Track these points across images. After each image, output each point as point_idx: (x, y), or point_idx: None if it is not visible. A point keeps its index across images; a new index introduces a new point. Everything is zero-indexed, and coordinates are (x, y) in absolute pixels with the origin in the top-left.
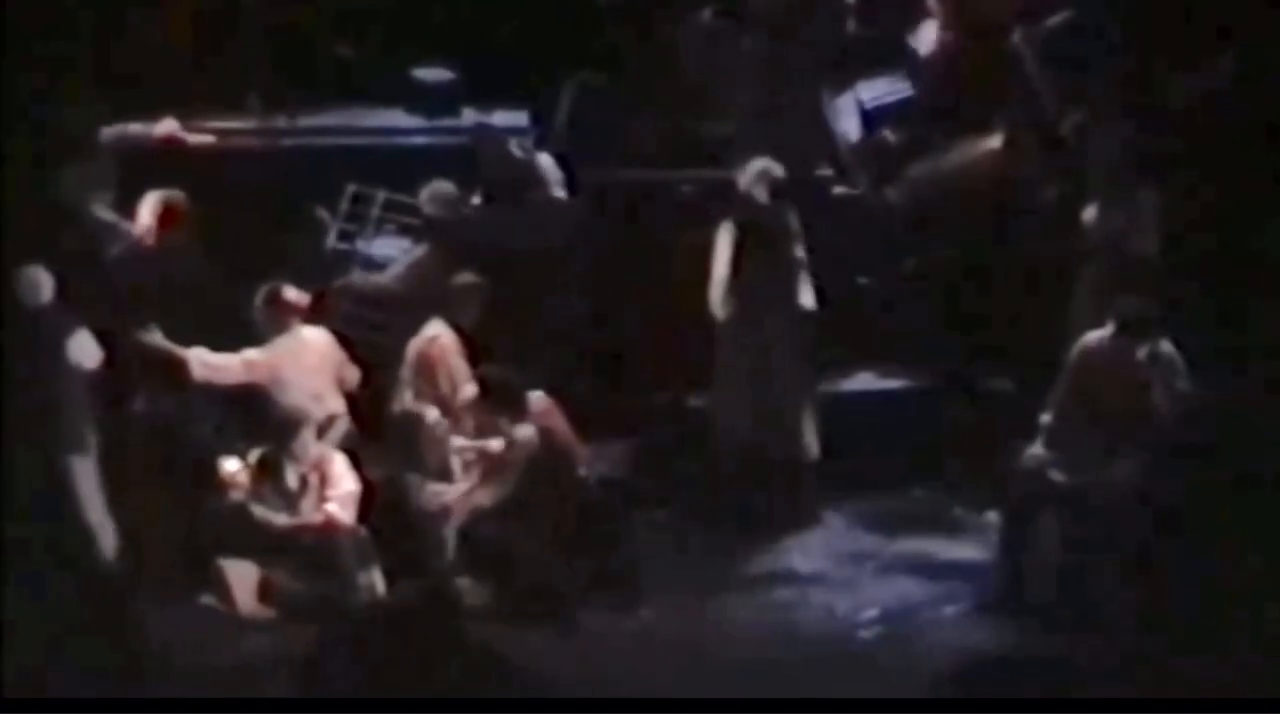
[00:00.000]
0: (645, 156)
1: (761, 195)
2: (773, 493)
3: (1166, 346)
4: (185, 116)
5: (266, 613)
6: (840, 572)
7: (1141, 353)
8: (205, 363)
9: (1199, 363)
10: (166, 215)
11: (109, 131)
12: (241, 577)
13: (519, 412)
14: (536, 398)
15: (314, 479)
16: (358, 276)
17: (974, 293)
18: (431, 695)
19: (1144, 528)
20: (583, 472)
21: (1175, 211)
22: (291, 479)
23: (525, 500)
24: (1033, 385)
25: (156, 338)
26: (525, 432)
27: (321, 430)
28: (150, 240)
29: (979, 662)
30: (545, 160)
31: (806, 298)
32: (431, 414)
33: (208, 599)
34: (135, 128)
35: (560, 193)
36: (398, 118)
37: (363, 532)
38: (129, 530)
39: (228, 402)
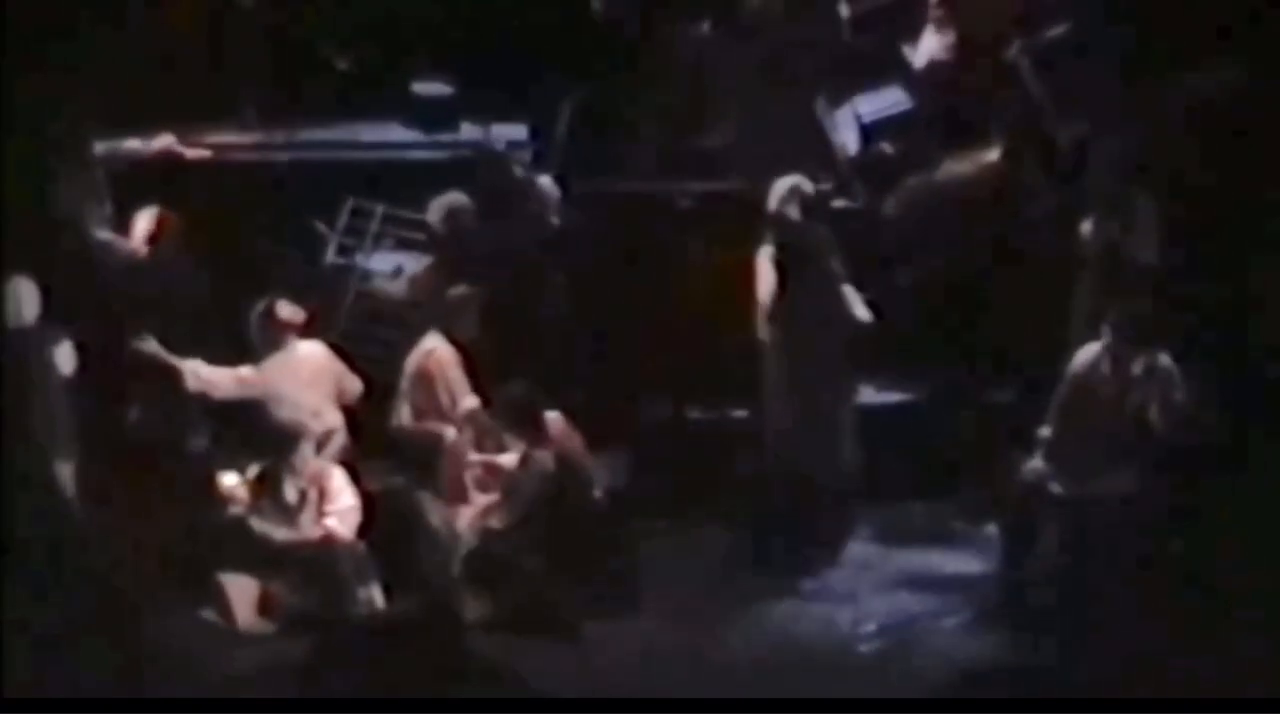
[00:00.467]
0: (643, 169)
1: (794, 213)
2: (817, 510)
3: (1164, 358)
4: (183, 130)
5: (266, 627)
6: (840, 584)
7: (1138, 365)
8: (199, 375)
9: (1197, 373)
10: (159, 230)
11: (103, 146)
12: (241, 591)
13: (538, 433)
14: (554, 419)
15: (313, 494)
16: (379, 284)
17: (973, 305)
18: (430, 709)
19: (1144, 540)
20: (597, 494)
21: (1175, 221)
22: (290, 493)
23: (537, 520)
24: (1032, 397)
25: (153, 347)
26: (542, 454)
27: (320, 445)
28: (144, 255)
29: (979, 674)
30: (544, 181)
31: (860, 311)
32: (450, 432)
33: (207, 613)
34: (131, 142)
35: (555, 218)
36: (396, 132)
37: (361, 546)
38: (127, 543)
39: (223, 414)
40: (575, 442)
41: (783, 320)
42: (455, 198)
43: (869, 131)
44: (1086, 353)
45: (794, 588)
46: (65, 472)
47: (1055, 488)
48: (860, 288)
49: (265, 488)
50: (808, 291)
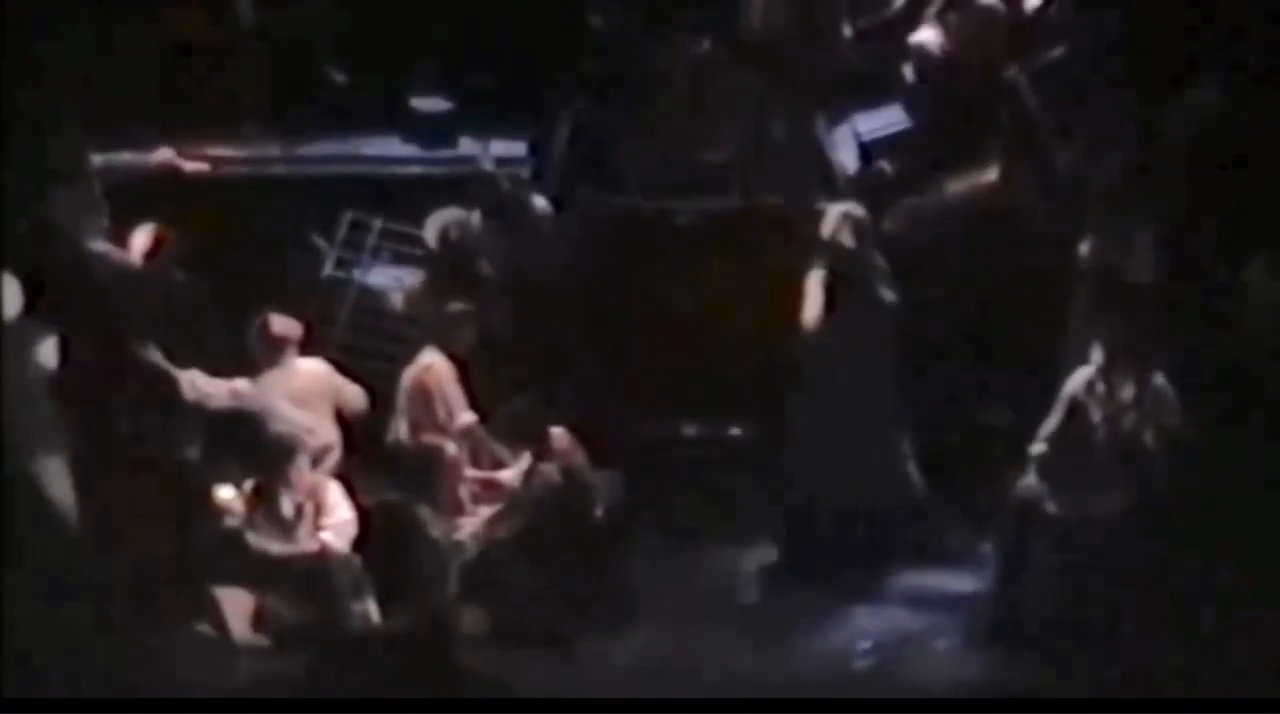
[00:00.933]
0: (641, 185)
1: (847, 239)
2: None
3: (1158, 378)
4: (181, 144)
5: (260, 640)
6: (834, 602)
7: (1131, 387)
8: (195, 385)
9: (1191, 394)
10: (157, 246)
11: (101, 159)
12: (236, 604)
13: (543, 448)
14: (558, 435)
15: (309, 507)
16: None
17: (969, 323)
18: None
19: (1139, 560)
20: (599, 511)
21: (1173, 243)
22: (286, 507)
23: (538, 535)
24: (1028, 416)
25: (153, 354)
26: (548, 467)
27: (316, 460)
28: (141, 268)
29: (972, 694)
30: (539, 202)
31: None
32: (450, 447)
33: (202, 626)
34: (127, 156)
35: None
36: (394, 147)
37: (357, 560)
38: (119, 551)
39: (220, 427)
40: (579, 457)
41: (827, 347)
42: (452, 213)
43: (868, 150)
44: (1081, 374)
45: (790, 606)
46: (49, 469)
47: (1049, 507)
48: None
49: (261, 501)
50: (852, 319)
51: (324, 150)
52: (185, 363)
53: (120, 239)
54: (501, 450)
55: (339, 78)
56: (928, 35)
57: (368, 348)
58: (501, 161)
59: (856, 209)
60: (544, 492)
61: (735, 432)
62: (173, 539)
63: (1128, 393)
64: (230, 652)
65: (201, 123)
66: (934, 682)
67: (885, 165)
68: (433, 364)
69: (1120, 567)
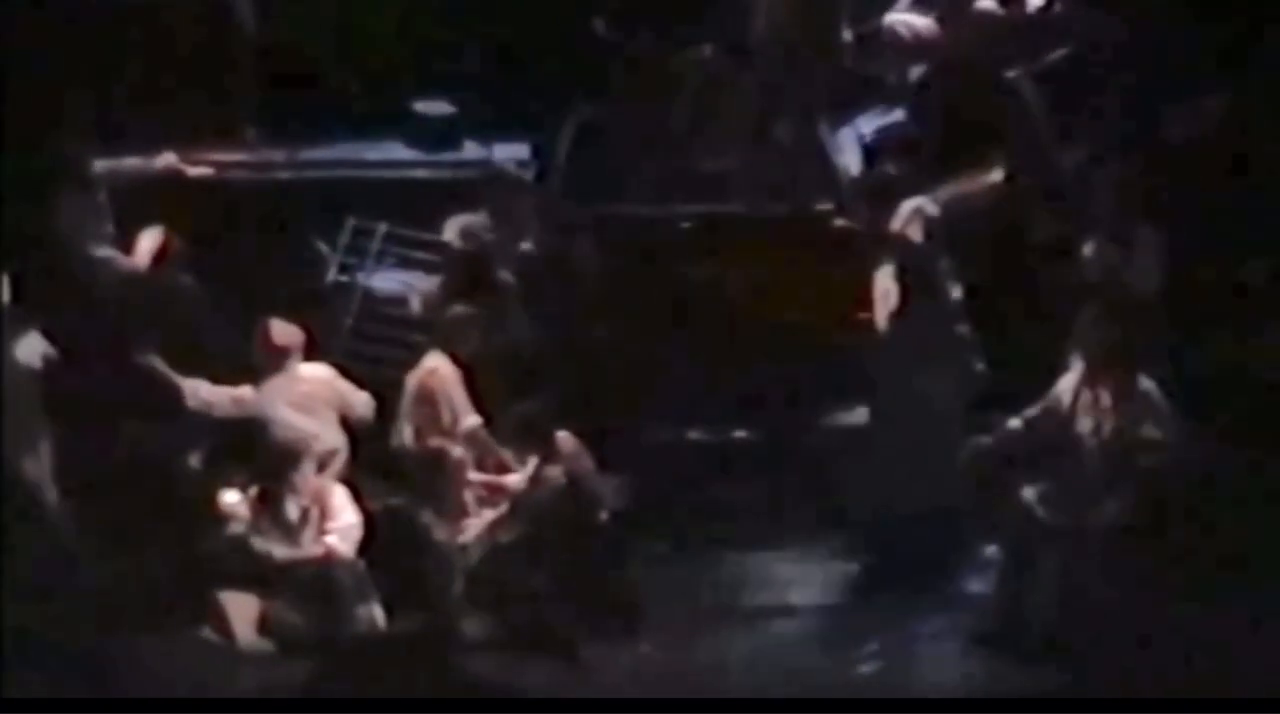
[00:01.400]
0: (645, 190)
1: (916, 235)
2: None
3: (1146, 383)
4: (184, 149)
5: (266, 646)
6: (838, 604)
7: (1115, 394)
8: (198, 395)
9: (1188, 398)
10: (162, 251)
11: (103, 165)
12: (241, 609)
13: (549, 452)
14: (565, 439)
15: (314, 511)
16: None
17: (973, 327)
18: None
19: (1140, 563)
20: (604, 516)
21: (1176, 249)
22: (291, 511)
23: (543, 539)
24: (1034, 420)
25: (156, 363)
26: (554, 472)
27: (322, 464)
28: (145, 273)
29: (977, 696)
30: (545, 200)
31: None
32: (456, 451)
33: (206, 632)
34: (131, 161)
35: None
36: (398, 151)
37: (362, 564)
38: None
39: (225, 431)
40: (585, 461)
41: (897, 346)
42: (470, 217)
43: (871, 152)
44: (1067, 380)
45: (794, 608)
46: (34, 470)
47: (1051, 511)
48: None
49: (266, 505)
50: (922, 318)
51: (327, 155)
52: (189, 367)
53: (125, 245)
54: (506, 455)
55: (343, 82)
56: (899, 18)
57: (372, 352)
58: (500, 164)
59: (930, 205)
60: (549, 496)
61: (740, 435)
62: (177, 544)
63: (1116, 400)
64: (235, 656)
65: (205, 128)
66: (939, 684)
67: (890, 167)
68: (437, 367)
69: (1122, 570)
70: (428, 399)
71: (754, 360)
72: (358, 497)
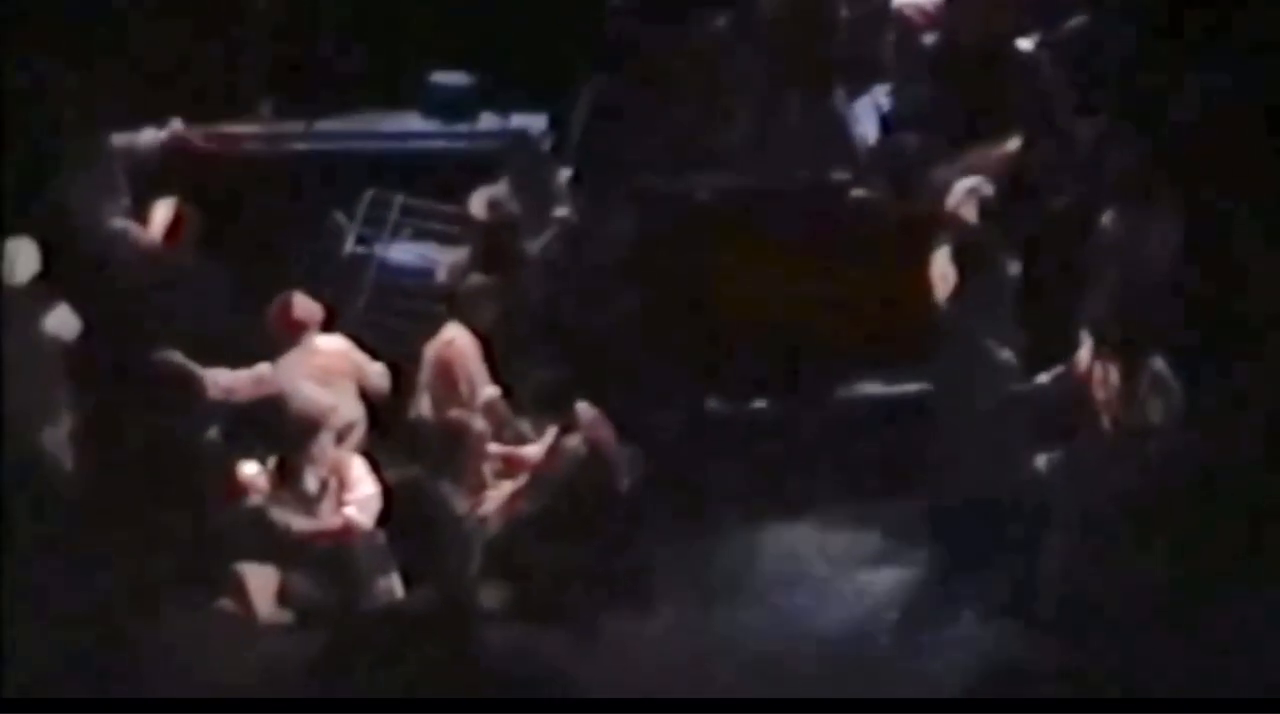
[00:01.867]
0: (662, 161)
1: (971, 214)
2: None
3: (1157, 363)
4: (199, 121)
5: (284, 617)
6: (855, 576)
7: (1114, 373)
8: (219, 384)
9: (1200, 380)
10: (177, 223)
11: (119, 138)
12: (260, 581)
13: (569, 422)
14: (584, 409)
15: (333, 483)
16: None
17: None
18: (447, 699)
19: (1145, 540)
20: (623, 486)
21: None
22: (310, 483)
23: (562, 510)
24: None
25: (175, 356)
26: (573, 442)
27: (340, 437)
28: (162, 247)
29: (994, 667)
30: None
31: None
32: (475, 422)
33: (224, 603)
34: (147, 134)
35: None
36: (415, 122)
37: (381, 535)
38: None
39: (238, 407)
40: (605, 431)
41: (954, 326)
42: (496, 188)
43: (889, 122)
44: (1080, 357)
45: (811, 577)
46: (54, 438)
47: (1061, 485)
48: None
49: (285, 477)
50: (978, 296)
51: (344, 127)
52: (199, 343)
53: (140, 218)
54: (535, 423)
55: (359, 54)
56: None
57: (389, 324)
58: (522, 136)
59: (985, 185)
60: (569, 466)
61: (759, 406)
62: (196, 516)
63: (1129, 378)
64: (252, 628)
65: (220, 100)
66: (955, 656)
67: (908, 137)
68: (455, 338)
69: (1128, 550)
70: (445, 370)
71: (775, 330)
72: (376, 468)
